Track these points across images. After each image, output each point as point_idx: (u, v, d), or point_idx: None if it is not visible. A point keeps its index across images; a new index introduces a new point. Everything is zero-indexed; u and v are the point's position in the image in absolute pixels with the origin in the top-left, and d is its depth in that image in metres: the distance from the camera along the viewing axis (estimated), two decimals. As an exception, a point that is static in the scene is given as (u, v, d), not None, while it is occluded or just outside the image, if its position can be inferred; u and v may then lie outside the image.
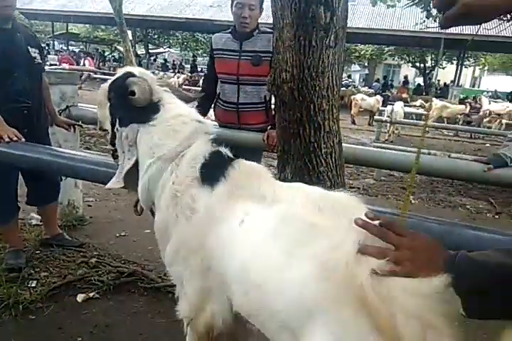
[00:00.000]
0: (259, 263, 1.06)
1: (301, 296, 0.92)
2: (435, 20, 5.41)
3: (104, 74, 15.74)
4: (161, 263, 2.67)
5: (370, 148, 3.13)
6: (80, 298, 2.32)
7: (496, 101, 15.11)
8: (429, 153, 4.92)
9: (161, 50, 30.39)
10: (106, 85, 1.44)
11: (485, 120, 11.28)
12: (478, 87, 27.30)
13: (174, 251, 1.28)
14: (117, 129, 1.36)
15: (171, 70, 23.36)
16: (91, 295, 2.35)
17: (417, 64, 24.69)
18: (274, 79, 1.70)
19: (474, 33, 11.37)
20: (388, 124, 8.85)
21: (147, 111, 1.34)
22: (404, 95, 15.87)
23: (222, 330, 1.27)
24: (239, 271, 1.10)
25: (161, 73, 18.52)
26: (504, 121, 10.88)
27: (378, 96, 11.73)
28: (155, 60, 27.74)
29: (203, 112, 2.76)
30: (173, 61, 28.65)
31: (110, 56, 29.72)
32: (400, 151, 3.51)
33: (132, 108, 1.34)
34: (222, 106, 2.78)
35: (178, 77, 17.37)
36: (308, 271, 0.92)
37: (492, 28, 5.03)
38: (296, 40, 1.57)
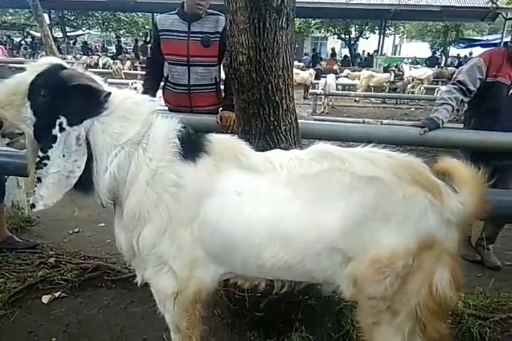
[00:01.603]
0: (292, 219, 1.24)
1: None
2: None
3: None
4: (124, 254, 2.69)
5: (310, 122, 3.24)
6: (45, 299, 2.24)
7: (415, 67, 16.07)
8: (363, 122, 5.21)
9: (79, 32, 28.30)
10: (20, 82, 1.25)
11: (409, 86, 12.01)
12: (399, 55, 28.76)
13: (157, 231, 1.30)
14: (62, 130, 1.23)
15: (93, 53, 21.80)
16: (57, 295, 2.28)
17: (343, 35, 25.39)
18: (230, 62, 1.70)
19: (394, 3, 11.89)
20: (323, 97, 9.14)
21: (97, 102, 1.28)
22: (335, 67, 16.34)
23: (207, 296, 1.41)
24: (262, 232, 1.25)
25: (84, 57, 17.24)
26: (425, 86, 11.69)
27: (311, 70, 11.98)
28: (74, 43, 25.74)
29: (151, 96, 2.69)
30: (87, 43, 26.54)
31: (23, 42, 26.98)
32: (339, 122, 3.70)
33: (81, 103, 1.26)
34: (172, 89, 2.72)
35: (121, 62, 14.87)
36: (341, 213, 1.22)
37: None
38: (251, 22, 1.57)
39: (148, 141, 1.32)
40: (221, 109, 2.67)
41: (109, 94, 1.27)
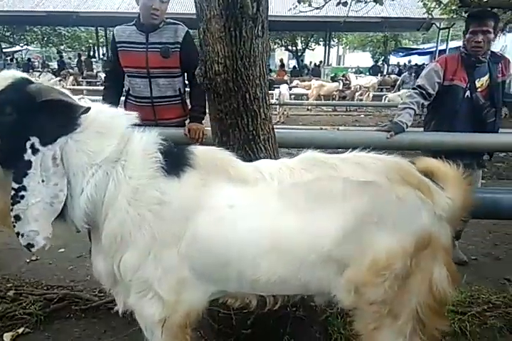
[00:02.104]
0: (286, 231, 1.19)
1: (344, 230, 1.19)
2: (310, 5, 5.76)
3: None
4: (91, 281, 2.50)
5: (282, 130, 3.23)
6: (7, 337, 2.02)
7: (361, 76, 16.81)
8: (320, 129, 5.31)
9: (17, 48, 26.85)
10: None
11: (357, 94, 12.50)
12: (343, 65, 29.97)
13: (141, 254, 1.21)
14: (35, 152, 1.10)
15: (34, 69, 20.72)
16: (20, 331, 2.06)
17: (290, 47, 26.08)
18: (205, 72, 1.64)
19: (339, 15, 12.39)
20: (278, 106, 9.26)
21: (70, 118, 1.17)
22: (285, 77, 16.68)
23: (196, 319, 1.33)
24: (257, 245, 1.20)
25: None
26: (374, 93, 12.23)
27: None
28: (11, 59, 24.37)
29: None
30: (30, 59, 25.25)
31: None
32: (297, 130, 3.73)
33: (54, 119, 1.14)
34: (134, 103, 2.60)
35: (64, 78, 14.53)
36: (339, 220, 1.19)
37: (353, 10, 5.62)
38: (227, 31, 1.52)
39: (126, 157, 1.22)
40: (188, 121, 2.59)
41: (88, 109, 1.15)
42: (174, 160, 1.24)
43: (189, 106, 2.65)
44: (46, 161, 1.12)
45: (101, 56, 22.31)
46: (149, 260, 1.20)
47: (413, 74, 12.65)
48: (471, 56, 2.48)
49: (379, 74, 18.57)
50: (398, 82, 12.73)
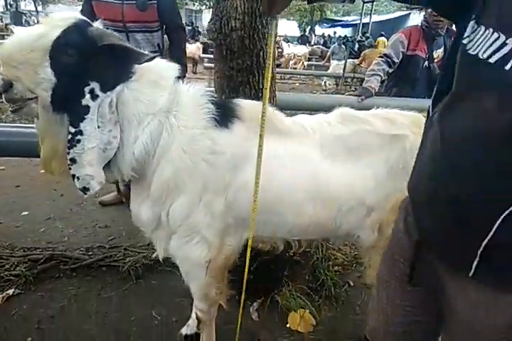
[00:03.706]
0: (329, 179, 1.31)
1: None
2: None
3: None
4: (70, 242, 2.45)
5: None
6: (-3, 299, 1.95)
7: (292, 45, 16.97)
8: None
9: None
10: (38, 37, 1.04)
11: (291, 62, 12.70)
12: (271, 32, 29.66)
13: (192, 201, 1.28)
14: (95, 98, 1.09)
15: None
16: (10, 292, 2.00)
17: (218, 9, 25.14)
18: (220, 28, 1.65)
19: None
20: (217, 71, 9.12)
21: (128, 66, 1.17)
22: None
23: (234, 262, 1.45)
24: (301, 192, 1.31)
25: None
26: (309, 63, 12.53)
27: (198, 43, 11.73)
28: None
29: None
30: None
31: None
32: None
33: (114, 66, 1.13)
34: (110, 58, 2.47)
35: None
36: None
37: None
38: (249, -13, 1.55)
39: (178, 108, 1.25)
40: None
41: (153, 58, 1.13)
42: (223, 112, 1.29)
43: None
44: (104, 108, 1.11)
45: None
46: (200, 207, 1.27)
47: (342, 46, 13.12)
48: (432, 29, 2.75)
49: (307, 44, 18.90)
50: (328, 53, 13.11)
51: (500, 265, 0.76)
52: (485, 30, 0.72)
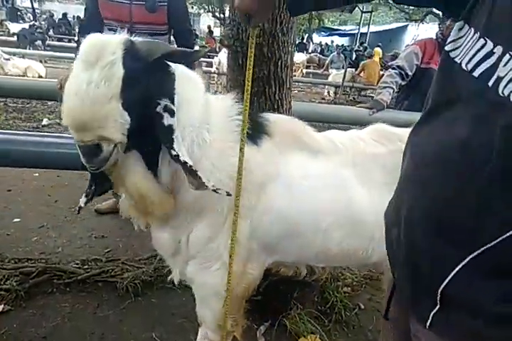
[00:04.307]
0: (361, 203, 1.21)
1: None
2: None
3: None
4: (64, 253, 2.31)
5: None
6: (-15, 316, 1.81)
7: (290, 52, 16.95)
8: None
9: None
10: (105, 79, 0.90)
11: (289, 70, 12.65)
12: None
13: (216, 224, 1.17)
14: (172, 114, 0.99)
15: None
16: (0, 309, 1.85)
17: (217, 14, 25.16)
18: (237, 34, 1.56)
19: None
20: (216, 76, 9.03)
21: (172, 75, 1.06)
22: (213, 46, 16.17)
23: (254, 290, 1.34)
24: (330, 217, 1.20)
25: None
26: (307, 70, 12.50)
27: (196, 47, 11.64)
28: None
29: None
30: None
31: None
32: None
33: (168, 76, 1.03)
34: (115, 61, 2.36)
35: None
36: None
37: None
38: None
39: (209, 120, 1.14)
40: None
41: (199, 51, 1.07)
42: (253, 127, 1.18)
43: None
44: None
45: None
46: (224, 231, 1.16)
47: (341, 55, 13.14)
48: (448, 42, 2.68)
49: (304, 52, 18.95)
50: (327, 62, 13.14)
51: (457, 318, 0.66)
52: (473, 34, 0.64)
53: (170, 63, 1.03)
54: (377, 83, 9.52)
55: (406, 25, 20.98)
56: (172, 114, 0.98)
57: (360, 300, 2.20)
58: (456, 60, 0.66)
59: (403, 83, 2.77)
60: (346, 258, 1.31)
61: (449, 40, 0.69)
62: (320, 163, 1.23)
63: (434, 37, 2.79)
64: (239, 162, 1.07)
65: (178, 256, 1.24)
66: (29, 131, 4.50)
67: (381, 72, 10.05)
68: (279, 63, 1.62)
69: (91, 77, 0.90)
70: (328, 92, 10.25)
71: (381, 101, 2.64)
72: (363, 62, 10.73)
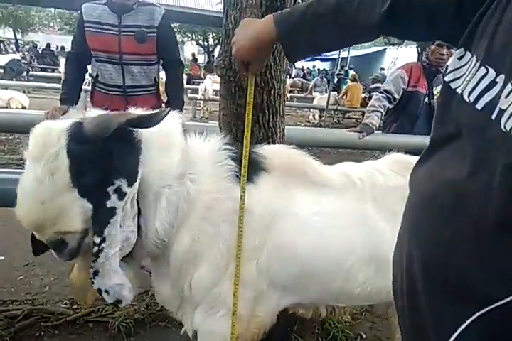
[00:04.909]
0: (384, 239, 1.13)
1: None
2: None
3: None
4: (52, 292, 2.20)
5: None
6: (-35, 367, 1.68)
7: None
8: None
9: None
10: (49, 173, 0.87)
11: (273, 94, 12.85)
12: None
13: (217, 269, 1.11)
14: (122, 197, 0.93)
15: None
16: (-18, 358, 1.73)
17: (201, 42, 25.74)
18: (229, 64, 1.55)
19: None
20: (202, 102, 9.11)
21: (136, 141, 1.00)
22: (197, 72, 16.42)
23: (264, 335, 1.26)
24: (352, 255, 1.14)
25: None
26: (291, 95, 12.69)
27: (183, 75, 11.77)
28: None
29: (72, 99, 2.28)
30: None
31: None
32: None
33: (128, 150, 0.96)
34: (104, 91, 2.34)
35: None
36: None
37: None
38: (262, 22, 1.46)
39: (194, 169, 1.09)
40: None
41: (165, 112, 0.97)
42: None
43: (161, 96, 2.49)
44: (128, 202, 0.96)
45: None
46: (226, 275, 1.10)
47: (324, 79, 13.44)
48: (433, 66, 2.74)
49: (288, 76, 19.35)
50: (310, 86, 13.40)
51: None
52: (475, 63, 0.60)
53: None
54: (360, 105, 9.80)
55: (385, 49, 21.70)
56: (121, 196, 0.93)
57: (361, 328, 2.13)
58: (458, 90, 0.62)
59: (391, 106, 2.80)
60: (369, 297, 1.24)
61: (448, 69, 0.66)
62: (331, 198, 1.18)
63: (418, 61, 2.86)
64: (240, 202, 1.03)
65: (185, 307, 1.17)
66: (12, 163, 4.40)
67: (363, 95, 10.30)
68: (272, 92, 1.61)
69: (35, 173, 0.87)
70: (314, 115, 10.38)
71: (370, 125, 2.66)
72: (347, 85, 10.96)
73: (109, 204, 0.92)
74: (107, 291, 0.96)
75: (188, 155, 1.10)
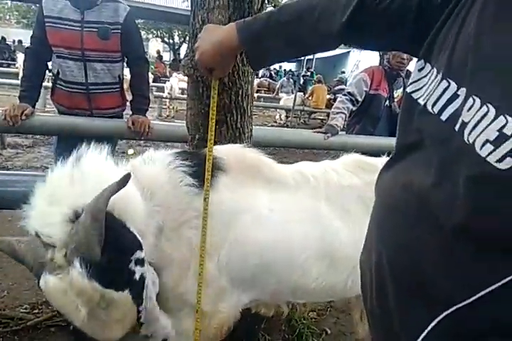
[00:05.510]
0: (344, 236, 1.18)
1: None
2: None
3: None
4: (10, 297, 2.11)
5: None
6: None
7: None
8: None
9: None
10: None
11: (240, 94, 12.85)
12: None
13: (179, 272, 1.11)
14: (141, 263, 0.91)
15: None
16: None
17: (166, 39, 25.34)
18: (197, 64, 1.55)
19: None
20: (168, 100, 8.99)
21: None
22: (163, 70, 16.16)
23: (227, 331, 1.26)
24: (308, 250, 1.17)
25: None
26: (258, 95, 12.75)
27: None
28: None
29: (31, 96, 2.21)
30: None
31: None
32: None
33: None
34: (65, 89, 2.28)
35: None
36: None
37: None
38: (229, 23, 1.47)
39: (155, 201, 1.05)
40: (131, 113, 2.38)
41: (127, 177, 0.88)
42: (200, 171, 1.10)
43: (126, 94, 2.45)
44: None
45: None
46: (188, 276, 1.11)
47: (290, 80, 13.59)
48: (393, 70, 2.85)
49: (255, 76, 19.41)
50: (277, 86, 13.51)
51: None
52: (435, 75, 0.61)
53: None
54: (325, 106, 10.00)
55: (348, 52, 22.19)
56: (141, 263, 0.93)
57: (326, 324, 2.18)
58: (420, 101, 0.63)
59: (354, 108, 2.88)
60: (325, 292, 1.28)
61: (409, 81, 0.67)
62: (286, 196, 1.20)
63: (379, 64, 2.96)
64: (204, 203, 1.04)
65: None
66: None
67: (328, 96, 10.51)
68: (240, 92, 1.63)
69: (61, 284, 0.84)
70: (280, 116, 10.49)
71: (335, 126, 2.72)
72: (313, 86, 11.15)
73: (136, 275, 0.89)
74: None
75: (143, 188, 1.05)
